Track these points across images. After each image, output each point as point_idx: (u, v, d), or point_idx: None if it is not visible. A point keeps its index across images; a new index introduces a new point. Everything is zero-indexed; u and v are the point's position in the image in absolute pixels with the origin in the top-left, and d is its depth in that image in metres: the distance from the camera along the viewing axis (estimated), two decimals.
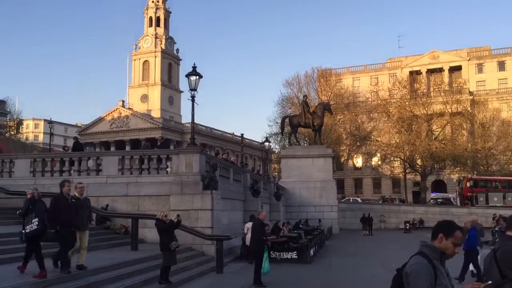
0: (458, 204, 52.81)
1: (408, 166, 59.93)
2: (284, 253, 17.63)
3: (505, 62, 79.93)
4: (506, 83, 77.67)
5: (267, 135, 56.52)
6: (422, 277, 3.61)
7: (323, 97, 61.26)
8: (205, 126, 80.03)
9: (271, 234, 19.34)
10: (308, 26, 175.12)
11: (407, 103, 58.54)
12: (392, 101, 62.00)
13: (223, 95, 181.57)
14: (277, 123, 58.02)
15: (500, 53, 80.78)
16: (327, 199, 37.31)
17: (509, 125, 61.09)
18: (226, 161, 24.29)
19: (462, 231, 3.82)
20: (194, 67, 18.44)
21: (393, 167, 66.07)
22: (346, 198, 61.02)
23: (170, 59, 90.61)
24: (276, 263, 16.30)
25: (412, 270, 3.67)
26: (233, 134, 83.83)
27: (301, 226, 28.09)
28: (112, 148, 70.17)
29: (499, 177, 54.21)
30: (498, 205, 46.80)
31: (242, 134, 43.30)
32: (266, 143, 44.96)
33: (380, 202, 57.48)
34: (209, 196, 16.85)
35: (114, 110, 79.40)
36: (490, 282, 3.90)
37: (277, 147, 63.97)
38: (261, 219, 13.30)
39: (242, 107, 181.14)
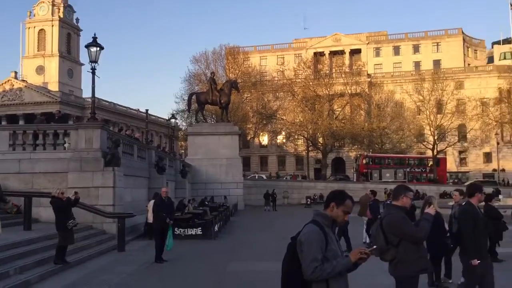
0: (355, 180, 56.25)
1: (310, 144, 62.30)
2: (188, 229, 17.63)
3: (400, 47, 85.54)
4: (400, 67, 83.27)
5: (174, 112, 55.67)
6: (314, 243, 3.76)
7: (230, 74, 61.38)
8: (108, 101, 76.70)
9: (176, 211, 19.22)
10: (218, 2, 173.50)
11: (311, 83, 60.60)
12: (297, 81, 63.84)
13: (129, 70, 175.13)
14: (184, 100, 57.28)
15: (395, 38, 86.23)
16: (233, 176, 37.78)
17: (402, 107, 65.64)
18: (130, 137, 23.57)
19: (352, 200, 4.02)
20: (95, 38, 17.50)
21: (297, 145, 68.33)
22: (252, 175, 62.29)
23: (69, 29, 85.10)
24: (181, 240, 16.26)
25: (305, 238, 3.81)
26: (138, 110, 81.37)
27: (206, 203, 28.22)
28: (4, 123, 64.92)
29: (391, 155, 58.40)
30: (389, 180, 50.43)
31: (147, 110, 42.13)
32: (173, 120, 44.23)
33: (271, 178, 59.89)
34: (111, 173, 16.31)
35: (6, 82, 73.23)
36: (374, 246, 4.16)
37: (184, 124, 63.28)
38: (163, 196, 13.16)
39: (148, 84, 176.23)
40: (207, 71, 59.91)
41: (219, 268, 11.75)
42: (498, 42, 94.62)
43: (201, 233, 17.53)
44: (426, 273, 5.52)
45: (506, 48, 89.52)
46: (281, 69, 70.14)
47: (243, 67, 66.34)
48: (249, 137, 68.01)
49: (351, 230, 15.27)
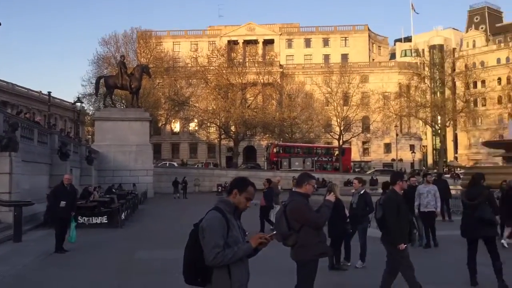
0: (265, 168, 57.41)
1: (223, 132, 62.49)
2: (93, 218, 17.01)
3: (311, 39, 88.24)
4: (311, 59, 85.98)
5: (80, 95, 53.04)
6: (216, 229, 3.78)
7: (142, 59, 59.56)
8: (6, 82, 71.09)
9: (81, 199, 18.42)
10: None
11: (224, 71, 60.60)
12: (211, 68, 63.53)
13: (35, 52, 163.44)
14: (91, 83, 54.67)
15: (307, 31, 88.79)
16: (143, 163, 36.90)
17: (311, 98, 67.94)
18: (29, 120, 22.09)
19: (254, 187, 4.08)
20: None
21: (209, 132, 68.19)
22: (163, 162, 61.28)
23: None
24: (85, 229, 15.65)
25: (207, 224, 3.83)
26: (40, 92, 76.35)
27: (114, 190, 27.30)
28: None
29: (301, 144, 60.34)
30: (298, 169, 52.04)
31: (49, 93, 39.46)
32: (78, 104, 42.07)
33: (184, 165, 59.67)
34: (7, 159, 15.21)
35: None
36: (274, 232, 4.27)
37: (92, 108, 60.45)
38: (65, 183, 12.52)
39: (54, 66, 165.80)
40: (117, 54, 57.53)
41: (125, 257, 11.45)
42: (400, 40, 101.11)
43: (106, 221, 16.99)
44: (325, 257, 5.77)
45: (406, 46, 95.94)
46: (195, 56, 69.36)
47: (155, 51, 64.67)
48: (160, 123, 66.69)
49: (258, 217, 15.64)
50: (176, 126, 77.14)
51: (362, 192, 10.45)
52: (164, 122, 66.41)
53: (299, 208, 5.65)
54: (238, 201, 3.99)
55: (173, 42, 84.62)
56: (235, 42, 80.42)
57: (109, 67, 57.92)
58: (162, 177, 43.80)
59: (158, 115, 61.91)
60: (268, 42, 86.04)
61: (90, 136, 65.76)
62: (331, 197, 6.07)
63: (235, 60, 63.20)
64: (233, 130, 61.20)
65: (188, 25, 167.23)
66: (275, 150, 57.14)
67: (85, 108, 56.64)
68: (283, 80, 71.35)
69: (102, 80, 40.87)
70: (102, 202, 18.81)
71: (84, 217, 16.69)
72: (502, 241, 12.51)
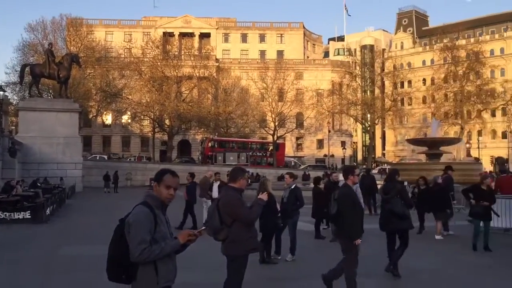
0: (200, 162, 57.05)
1: (157, 125, 61.35)
2: (15, 213, 16.15)
3: (247, 35, 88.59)
4: (247, 54, 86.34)
5: (3, 84, 49.87)
6: (143, 224, 3.70)
7: (72, 48, 57.00)
8: None
9: (2, 193, 17.44)
10: None
11: (159, 63, 59.35)
12: (145, 60, 61.99)
13: None
14: (16, 71, 51.70)
15: (243, 26, 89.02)
16: (71, 156, 35.42)
17: (247, 93, 68.23)
18: None
19: (174, 175, 3.95)
20: None
21: (142, 125, 66.71)
22: (93, 155, 59.23)
23: None
24: (6, 224, 14.85)
25: (133, 220, 3.73)
26: None
27: (39, 184, 26.05)
28: None
29: (236, 139, 60.51)
30: (233, 163, 52.14)
31: None
32: (1, 93, 39.48)
33: (118, 159, 58.15)
34: None
35: None
36: (203, 227, 4.24)
37: (16, 98, 57.16)
38: None
39: None
40: (44, 41, 54.69)
41: (50, 253, 10.97)
42: (333, 39, 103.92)
43: (30, 216, 16.19)
44: (255, 252, 5.81)
45: (339, 45, 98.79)
46: (128, 47, 67.44)
47: (86, 40, 62.10)
48: (91, 115, 64.33)
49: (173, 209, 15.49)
50: (108, 118, 74.73)
51: (293, 187, 10.65)
52: (95, 114, 64.11)
53: (232, 203, 5.65)
54: (159, 193, 3.88)
55: (106, 31, 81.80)
56: (171, 34, 79.06)
57: (35, 55, 54.94)
58: (92, 171, 42.29)
59: (89, 107, 59.63)
60: (205, 36, 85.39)
61: (14, 127, 62.20)
62: (264, 196, 6.09)
63: (170, 53, 62.07)
64: (168, 124, 60.22)
65: (122, 15, 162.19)
66: (210, 144, 56.92)
67: (9, 97, 53.50)
68: (219, 74, 71.13)
69: (27, 68, 38.74)
70: (25, 197, 17.87)
71: (5, 212, 15.83)
72: (436, 237, 13.24)
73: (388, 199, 8.38)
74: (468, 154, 58.49)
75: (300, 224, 12.06)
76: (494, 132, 78.41)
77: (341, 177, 12.97)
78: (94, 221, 17.59)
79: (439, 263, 10.04)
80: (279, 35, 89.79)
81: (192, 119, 60.79)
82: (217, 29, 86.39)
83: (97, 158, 55.45)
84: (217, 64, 75.57)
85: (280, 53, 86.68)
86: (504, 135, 77.34)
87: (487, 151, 74.76)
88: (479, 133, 71.97)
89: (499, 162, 72.60)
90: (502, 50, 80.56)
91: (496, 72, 73.41)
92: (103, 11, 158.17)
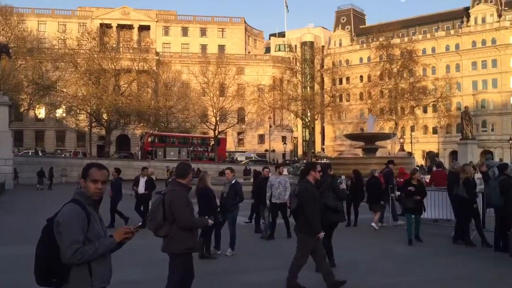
0: (140, 158, 55.90)
1: (94, 120, 59.39)
2: None
3: (188, 28, 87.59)
4: (188, 48, 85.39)
5: None
6: (74, 223, 3.52)
7: (1, 37, 53.95)
8: None
9: None
10: None
11: (95, 55, 57.35)
12: (81, 51, 59.69)
13: None
14: None
15: (184, 20, 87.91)
16: (0, 152, 33.59)
17: (188, 87, 67.48)
18: None
19: (100, 168, 3.81)
20: None
21: (78, 120, 64.35)
22: (25, 151, 56.46)
23: None
24: None
25: (64, 219, 3.54)
26: None
27: None
28: None
29: (176, 134, 59.77)
30: (174, 159, 51.60)
31: None
32: None
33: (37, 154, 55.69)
34: None
35: None
36: (140, 224, 4.13)
37: None
38: None
39: None
40: None
41: None
42: (274, 35, 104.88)
43: None
44: (194, 252, 5.62)
45: (280, 41, 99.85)
46: (63, 38, 64.59)
47: (17, 30, 58.94)
48: (22, 109, 61.23)
49: (124, 208, 15.10)
50: (41, 112, 71.34)
51: (233, 181, 10.66)
52: (26, 108, 61.07)
53: (174, 202, 5.41)
54: (87, 189, 3.72)
55: (38, 21, 78.10)
56: (108, 26, 76.70)
57: None
58: (24, 167, 40.35)
59: (20, 100, 56.72)
60: (144, 28, 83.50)
61: None
62: (210, 221, 5.98)
63: (108, 45, 60.11)
64: (105, 118, 58.43)
65: (56, 4, 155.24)
66: (149, 139, 55.87)
67: None
68: (159, 68, 69.88)
69: None
70: None
71: None
72: (372, 224, 13.75)
73: (321, 193, 8.58)
74: (402, 149, 61.02)
75: (240, 218, 12.12)
76: (425, 127, 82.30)
77: (272, 172, 13.24)
78: (24, 219, 16.75)
79: (373, 254, 10.42)
80: (220, 29, 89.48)
81: (131, 113, 59.34)
82: (157, 21, 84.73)
83: (30, 153, 52.94)
84: (157, 57, 74.19)
85: (221, 47, 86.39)
86: (434, 131, 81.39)
87: (419, 145, 78.43)
88: (412, 128, 75.23)
89: (429, 156, 76.38)
90: (433, 49, 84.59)
91: (427, 70, 76.94)
92: (35, 0, 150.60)
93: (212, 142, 60.83)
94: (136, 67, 60.43)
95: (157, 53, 75.53)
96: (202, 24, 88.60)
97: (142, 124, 63.85)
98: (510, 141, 64.88)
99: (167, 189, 5.80)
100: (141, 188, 14.85)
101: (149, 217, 5.79)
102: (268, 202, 12.23)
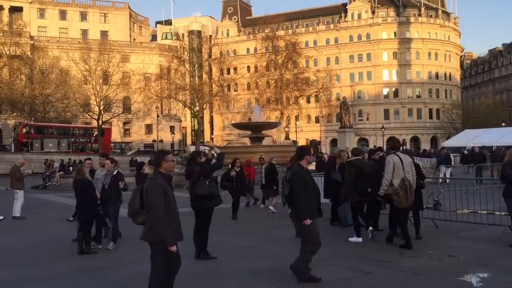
0: (13, 150, 51.52)
1: None
2: None
3: (66, 12, 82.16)
4: (67, 33, 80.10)
5: None
6: None
7: None
8: None
9: None
10: None
11: None
12: None
13: None
14: None
15: (62, 2, 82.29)
16: None
17: (68, 75, 63.32)
18: None
19: None
20: None
21: None
22: None
23: None
24: None
25: None
26: None
27: None
28: None
29: (55, 124, 55.93)
30: (53, 151, 48.35)
31: None
32: None
33: None
34: None
35: None
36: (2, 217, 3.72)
37: None
38: None
39: None
40: None
41: None
42: (161, 22, 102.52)
43: None
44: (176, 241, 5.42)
45: (167, 28, 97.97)
46: None
47: None
48: None
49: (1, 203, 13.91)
50: None
51: (115, 172, 10.19)
52: None
53: (148, 191, 5.35)
54: None
55: None
56: None
57: None
58: None
59: None
60: (16, 10, 76.56)
61: None
62: (171, 248, 5.37)
63: None
64: None
65: None
66: (24, 130, 51.61)
67: None
68: (34, 53, 64.63)
69: None
70: None
71: None
72: (270, 207, 14.18)
73: (194, 182, 8.55)
74: (287, 137, 63.56)
75: (124, 210, 11.67)
76: (309, 117, 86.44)
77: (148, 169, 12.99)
78: None
79: (257, 240, 10.65)
80: (103, 14, 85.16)
81: (2, 102, 54.37)
82: (30, 3, 78.18)
83: None
84: (32, 42, 68.54)
85: (104, 33, 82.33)
86: (317, 120, 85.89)
87: (303, 134, 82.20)
88: (297, 118, 78.56)
89: (312, 144, 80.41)
90: (315, 42, 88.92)
91: (310, 62, 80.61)
92: None
93: (96, 133, 57.95)
94: (7, 52, 55.40)
95: (31, 38, 69.77)
96: (82, 7, 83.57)
97: (15, 113, 58.75)
98: (382, 129, 70.72)
99: (149, 177, 5.68)
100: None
101: (130, 203, 5.70)
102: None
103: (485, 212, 10.73)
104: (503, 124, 54.56)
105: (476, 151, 27.42)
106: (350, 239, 9.73)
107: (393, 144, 9.93)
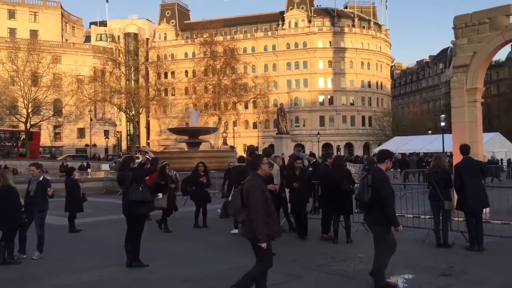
0: None
1: None
2: None
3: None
4: None
5: None
6: None
7: None
8: None
9: None
10: None
11: None
12: None
13: None
14: None
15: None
16: None
17: None
18: None
19: None
20: None
21: None
22: None
23: None
24: None
25: None
26: None
27: None
28: None
29: None
30: None
31: None
32: None
33: None
34: None
35: None
36: None
37: None
38: None
39: None
40: None
41: None
42: (95, 23, 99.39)
43: None
44: (274, 237, 5.95)
45: (102, 30, 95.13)
46: None
47: None
48: None
49: None
50: None
51: (41, 178, 9.71)
52: None
53: (252, 191, 5.83)
54: None
55: None
56: None
57: None
58: None
59: None
60: None
61: None
62: (262, 244, 5.79)
63: None
64: None
65: None
66: None
67: None
68: None
69: None
70: None
71: None
72: (218, 210, 13.92)
73: (127, 187, 8.36)
74: (225, 143, 63.49)
75: (51, 218, 11.18)
76: (247, 122, 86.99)
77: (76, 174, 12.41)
78: None
79: (190, 246, 10.52)
80: (33, 13, 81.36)
81: None
82: None
83: None
84: None
85: (34, 33, 78.63)
86: (254, 125, 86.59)
87: (241, 139, 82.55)
88: (234, 123, 78.79)
89: (250, 149, 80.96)
90: (253, 48, 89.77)
91: (248, 68, 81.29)
92: None
93: (23, 137, 55.10)
94: None
95: None
96: (10, 5, 79.43)
97: None
98: (318, 135, 72.45)
99: (246, 179, 6.02)
100: None
101: (231, 203, 6.25)
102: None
103: (411, 215, 11.23)
104: (430, 132, 57.66)
105: (399, 157, 28.50)
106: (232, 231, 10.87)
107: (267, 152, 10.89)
